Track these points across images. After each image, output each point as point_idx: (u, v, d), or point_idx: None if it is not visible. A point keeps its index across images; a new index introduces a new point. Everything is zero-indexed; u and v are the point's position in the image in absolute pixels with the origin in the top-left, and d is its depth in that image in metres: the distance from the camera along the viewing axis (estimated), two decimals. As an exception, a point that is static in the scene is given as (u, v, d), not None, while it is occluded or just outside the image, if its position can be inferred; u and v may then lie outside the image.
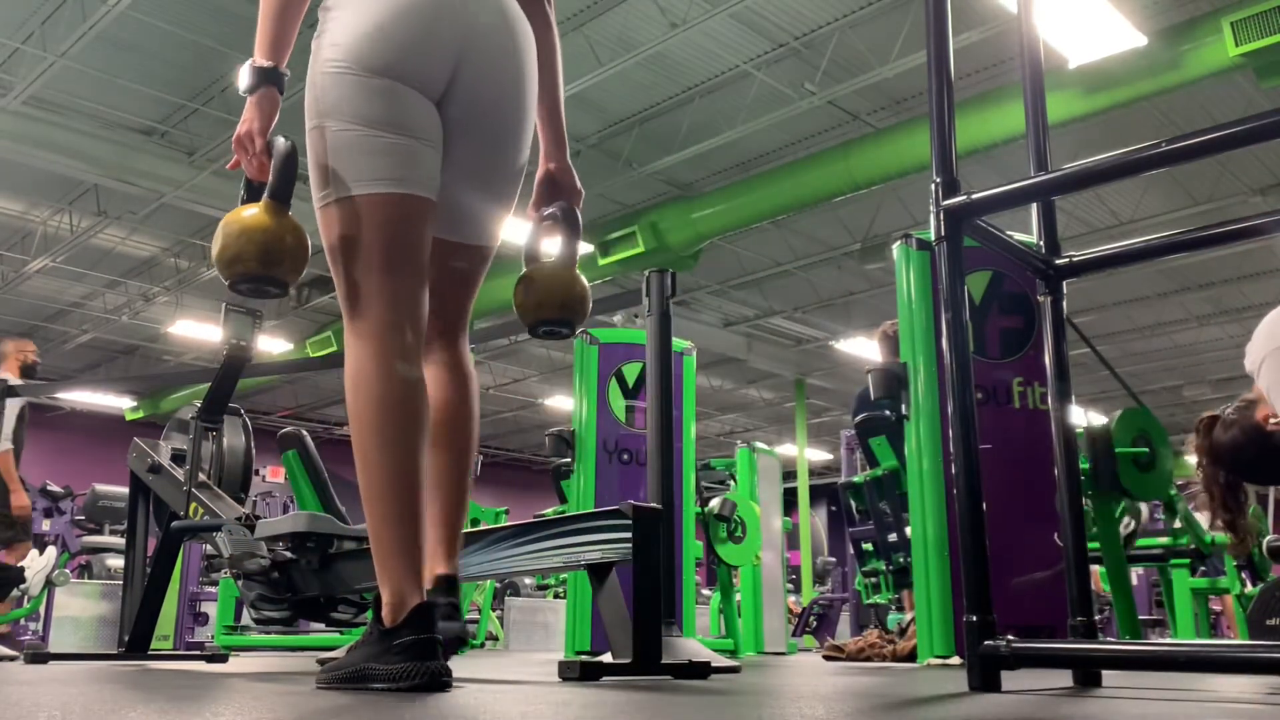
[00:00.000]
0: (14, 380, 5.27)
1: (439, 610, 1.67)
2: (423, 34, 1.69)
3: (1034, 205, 2.12)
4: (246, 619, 5.64)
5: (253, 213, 1.67)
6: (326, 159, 1.68)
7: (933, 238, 1.78)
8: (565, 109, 2.08)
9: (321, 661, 2.11)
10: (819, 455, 18.36)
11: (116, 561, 8.83)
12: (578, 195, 2.04)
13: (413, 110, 1.69)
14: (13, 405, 5.50)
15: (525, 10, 1.88)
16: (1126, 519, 4.34)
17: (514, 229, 2.34)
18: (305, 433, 5.45)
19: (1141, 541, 4.67)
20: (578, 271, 2.02)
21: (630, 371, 5.04)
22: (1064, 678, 1.84)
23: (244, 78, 1.71)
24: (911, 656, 3.80)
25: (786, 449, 16.08)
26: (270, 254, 1.66)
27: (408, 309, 1.67)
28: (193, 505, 2.89)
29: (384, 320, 1.64)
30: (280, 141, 1.73)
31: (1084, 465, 3.24)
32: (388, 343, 1.63)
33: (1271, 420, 2.38)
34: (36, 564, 5.68)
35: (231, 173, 1.81)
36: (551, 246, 2.05)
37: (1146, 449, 3.33)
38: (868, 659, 4.15)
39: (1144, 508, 5.07)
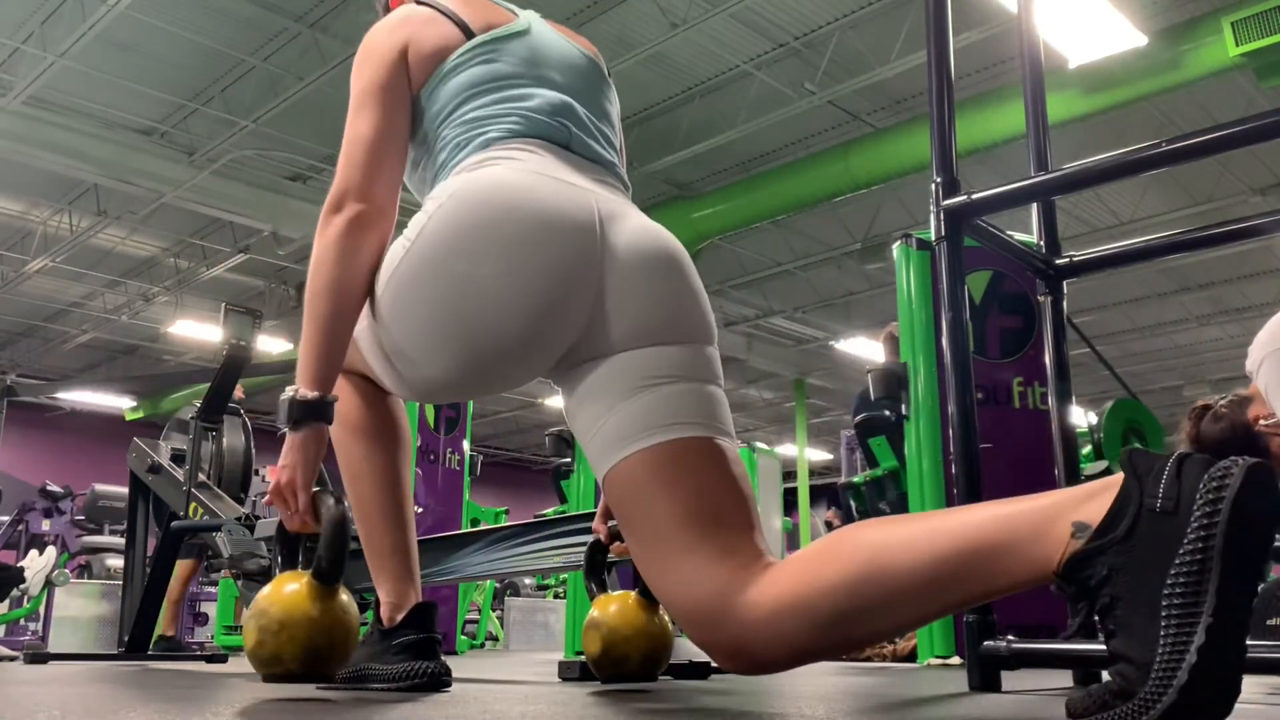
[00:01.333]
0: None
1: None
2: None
3: (1034, 205, 2.12)
4: (246, 619, 5.64)
5: (294, 591, 1.30)
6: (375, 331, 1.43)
7: (933, 238, 1.78)
8: None
9: (321, 661, 2.11)
10: (819, 455, 18.35)
11: (116, 561, 8.83)
12: None
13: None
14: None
15: None
16: None
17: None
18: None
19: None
20: (661, 611, 1.65)
21: (630, 371, 5.03)
22: (1064, 678, 1.84)
23: (284, 411, 1.37)
24: (911, 656, 3.80)
25: (786, 449, 16.10)
26: (315, 654, 1.29)
27: None
28: (192, 505, 2.89)
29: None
30: (331, 504, 1.34)
31: (1085, 466, 3.24)
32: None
33: (1261, 421, 2.39)
34: (36, 564, 5.68)
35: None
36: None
37: (1137, 440, 3.34)
38: (868, 659, 4.14)
39: None
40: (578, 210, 1.35)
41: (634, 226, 1.40)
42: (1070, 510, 0.96)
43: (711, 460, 1.28)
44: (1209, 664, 0.85)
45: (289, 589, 1.31)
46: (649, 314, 1.33)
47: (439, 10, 1.52)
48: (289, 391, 1.37)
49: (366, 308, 1.41)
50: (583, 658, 2.18)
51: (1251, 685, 1.93)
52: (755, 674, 1.22)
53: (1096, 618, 0.93)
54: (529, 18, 1.60)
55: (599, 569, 1.69)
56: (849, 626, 1.08)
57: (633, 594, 1.62)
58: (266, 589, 1.33)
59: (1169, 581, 0.87)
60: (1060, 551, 0.95)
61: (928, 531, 1.05)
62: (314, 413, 1.37)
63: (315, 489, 1.38)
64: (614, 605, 1.62)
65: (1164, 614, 0.87)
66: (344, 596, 1.34)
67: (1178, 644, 0.86)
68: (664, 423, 1.27)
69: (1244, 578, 0.88)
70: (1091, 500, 0.95)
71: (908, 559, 1.04)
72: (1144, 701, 0.86)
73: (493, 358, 1.33)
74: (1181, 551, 0.88)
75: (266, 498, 1.42)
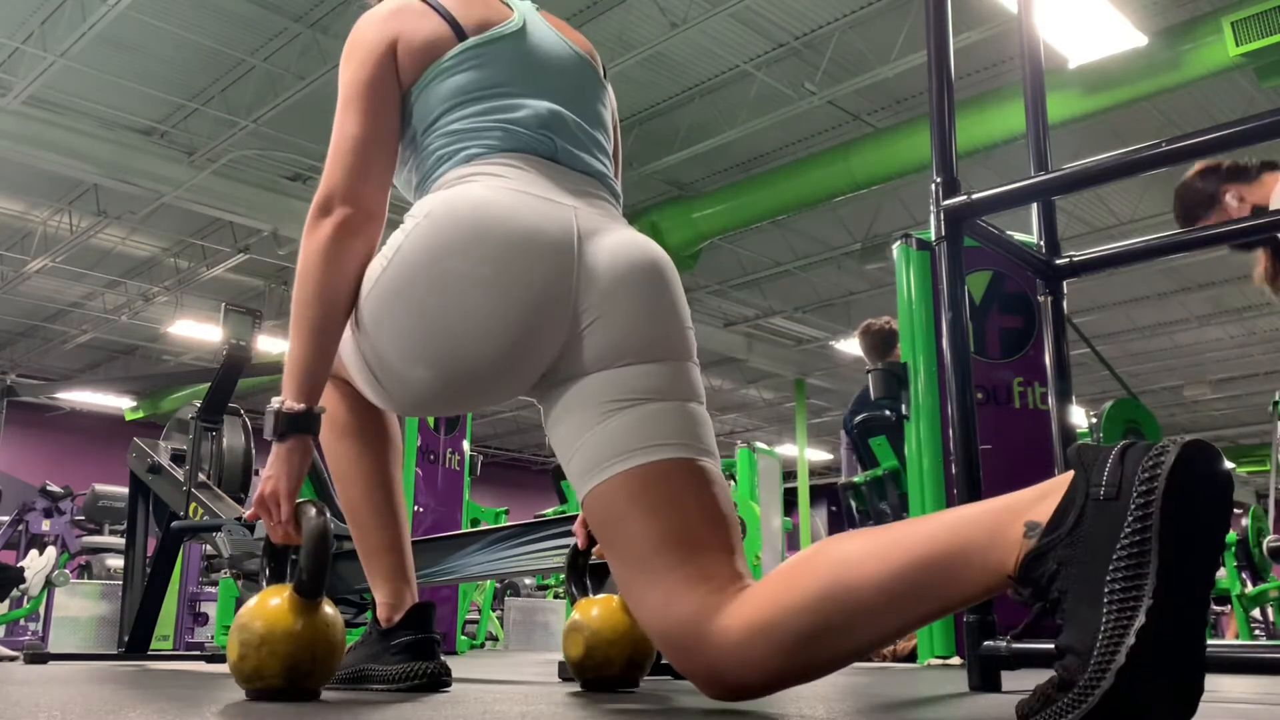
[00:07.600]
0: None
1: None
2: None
3: (1034, 205, 2.12)
4: (246, 619, 5.63)
5: (276, 605, 1.29)
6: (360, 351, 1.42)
7: (933, 238, 1.78)
8: None
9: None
10: (819, 455, 18.36)
11: (116, 561, 8.83)
12: None
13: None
14: None
15: None
16: None
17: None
18: (305, 433, 5.43)
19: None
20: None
21: (630, 371, 5.03)
22: (1064, 678, 1.83)
23: (269, 423, 1.35)
24: (911, 656, 3.80)
25: (786, 449, 16.09)
26: (297, 669, 1.27)
27: None
28: (192, 505, 2.89)
29: None
30: (312, 515, 1.31)
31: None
32: None
33: (1230, 195, 2.53)
34: (36, 564, 5.68)
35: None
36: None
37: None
38: (868, 659, 4.14)
39: None
40: (555, 228, 1.33)
41: (615, 242, 1.37)
42: (1022, 512, 0.94)
43: (691, 482, 1.26)
44: (1150, 647, 0.81)
45: (272, 603, 1.29)
46: (627, 333, 1.31)
47: (431, 5, 1.47)
48: (275, 403, 1.35)
49: (351, 319, 1.40)
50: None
51: (1252, 685, 1.93)
52: (734, 700, 1.18)
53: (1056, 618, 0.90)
54: (523, 12, 1.55)
55: (580, 572, 1.68)
56: (814, 647, 1.06)
57: (615, 597, 1.61)
58: (250, 602, 1.31)
59: (1111, 567, 0.85)
60: (1015, 554, 0.93)
61: (886, 545, 1.03)
62: (299, 425, 1.35)
63: (300, 500, 1.35)
64: (596, 608, 1.61)
65: (1106, 600, 0.84)
66: (328, 609, 1.31)
67: (1117, 628, 0.82)
68: (642, 444, 1.25)
69: (1191, 556, 0.85)
70: (1043, 500, 0.94)
71: (867, 575, 1.02)
72: (1082, 690, 0.83)
73: (468, 380, 1.33)
74: (1122, 535, 0.85)
75: (250, 510, 1.40)
